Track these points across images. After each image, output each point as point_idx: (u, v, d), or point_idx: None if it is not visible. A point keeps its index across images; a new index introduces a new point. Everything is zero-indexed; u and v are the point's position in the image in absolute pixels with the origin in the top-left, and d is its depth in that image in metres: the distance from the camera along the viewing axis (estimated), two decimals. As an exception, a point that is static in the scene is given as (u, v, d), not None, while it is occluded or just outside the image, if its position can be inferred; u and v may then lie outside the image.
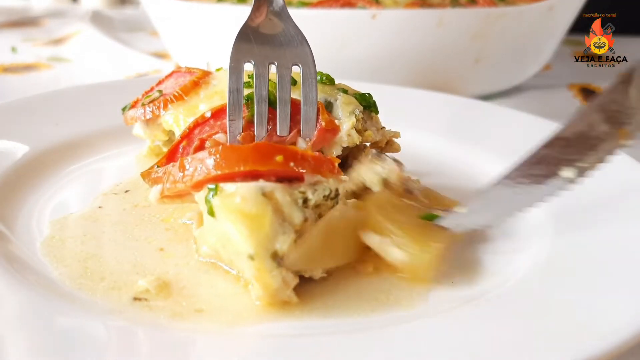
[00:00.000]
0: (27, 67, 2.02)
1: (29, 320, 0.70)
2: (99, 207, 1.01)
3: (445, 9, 1.63)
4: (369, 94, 0.99)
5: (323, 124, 0.91)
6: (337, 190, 0.84)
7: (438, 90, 1.53)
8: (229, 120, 0.90)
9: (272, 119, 0.92)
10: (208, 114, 0.96)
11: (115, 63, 2.09)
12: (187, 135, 0.96)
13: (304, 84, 0.92)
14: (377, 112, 1.00)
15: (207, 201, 0.79)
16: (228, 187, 0.78)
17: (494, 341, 0.69)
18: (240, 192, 0.77)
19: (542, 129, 1.26)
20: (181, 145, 0.95)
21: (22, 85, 1.83)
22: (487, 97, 1.75)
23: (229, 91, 0.90)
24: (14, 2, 3.29)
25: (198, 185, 0.82)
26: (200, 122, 0.96)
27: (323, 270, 0.83)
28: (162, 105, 1.07)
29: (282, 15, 0.96)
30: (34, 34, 2.55)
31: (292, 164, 0.81)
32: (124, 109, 1.18)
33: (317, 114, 0.92)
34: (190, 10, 1.70)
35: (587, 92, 1.89)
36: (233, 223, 0.76)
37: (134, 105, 1.16)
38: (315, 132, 0.91)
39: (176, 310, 0.76)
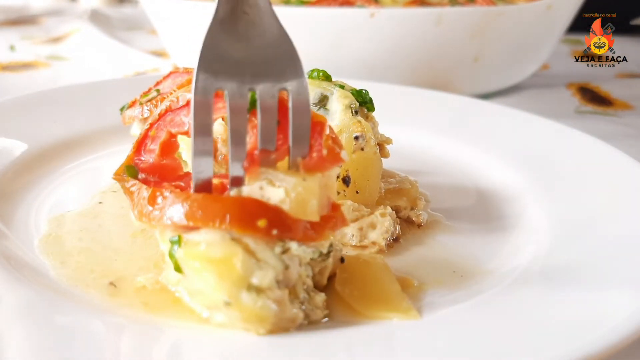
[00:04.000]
0: (26, 66, 2.01)
1: (27, 318, 0.70)
2: (100, 202, 1.01)
3: (444, 8, 1.63)
4: (365, 90, 0.99)
5: (325, 152, 0.73)
6: (330, 246, 0.75)
7: (436, 89, 1.52)
8: (194, 157, 0.71)
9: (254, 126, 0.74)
10: (182, 100, 0.81)
11: (114, 61, 2.08)
12: (156, 121, 0.83)
13: (294, 113, 0.73)
14: (373, 109, 1.00)
15: (171, 256, 0.71)
16: (192, 236, 0.70)
17: (492, 340, 0.69)
18: (205, 239, 0.69)
19: (541, 127, 1.27)
20: (149, 134, 0.82)
21: (21, 83, 1.83)
22: (485, 96, 1.75)
23: (194, 127, 0.70)
24: (12, 0, 3.28)
25: (163, 228, 0.73)
26: (172, 109, 0.82)
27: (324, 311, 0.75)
28: (159, 103, 1.07)
29: (260, 6, 0.75)
30: (33, 32, 2.54)
31: (275, 231, 0.68)
32: (122, 109, 1.18)
33: (320, 137, 0.74)
34: (188, 8, 1.70)
35: (585, 91, 1.89)
36: (198, 273, 0.69)
37: (131, 105, 1.16)
38: (313, 157, 0.74)
39: (174, 307, 0.76)
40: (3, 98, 1.31)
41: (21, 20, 2.77)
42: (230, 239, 0.68)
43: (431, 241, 0.95)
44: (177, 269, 0.72)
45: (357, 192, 0.94)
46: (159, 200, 0.72)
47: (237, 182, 0.72)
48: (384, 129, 1.02)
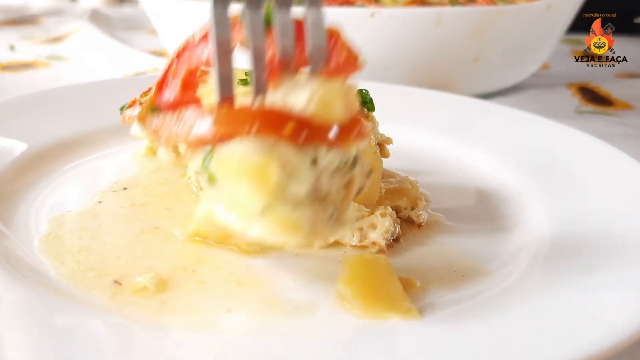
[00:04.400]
0: (26, 65, 2.02)
1: (27, 318, 0.70)
2: (100, 202, 1.02)
3: (444, 8, 1.63)
4: (365, 90, 0.99)
5: (343, 55, 0.74)
6: (356, 155, 0.74)
7: (437, 88, 1.52)
8: (218, 72, 0.72)
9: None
10: (199, 36, 0.82)
11: (114, 61, 2.08)
12: (175, 60, 0.83)
13: (310, 23, 0.74)
14: (373, 109, 1.00)
15: (204, 169, 0.71)
16: (224, 147, 0.69)
17: (492, 340, 0.69)
18: (238, 149, 0.67)
19: (541, 127, 1.27)
20: (170, 73, 0.83)
21: (21, 83, 1.83)
22: (485, 96, 1.75)
23: (216, 41, 0.72)
24: (12, 0, 3.28)
25: (194, 145, 0.72)
26: (189, 46, 0.83)
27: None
28: (159, 102, 1.07)
29: None
30: (33, 32, 2.54)
31: (303, 135, 0.68)
32: (121, 109, 1.18)
33: (336, 46, 0.75)
34: (188, 8, 1.70)
35: (585, 91, 1.89)
36: (235, 181, 0.67)
37: (131, 105, 1.16)
38: (331, 65, 0.75)
39: (173, 307, 0.76)
40: (3, 98, 1.31)
41: (21, 20, 2.78)
42: (263, 149, 0.67)
43: (431, 241, 0.95)
44: (211, 180, 0.71)
45: None
46: (186, 117, 0.72)
47: (260, 90, 0.72)
48: (384, 129, 1.02)
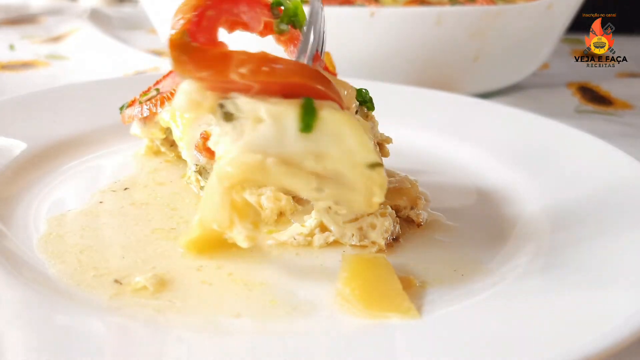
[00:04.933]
0: (25, 65, 2.01)
1: (26, 318, 0.70)
2: (100, 202, 1.01)
3: (444, 7, 1.63)
4: (365, 89, 0.99)
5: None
6: None
7: (436, 88, 1.52)
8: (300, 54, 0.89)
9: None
10: None
11: (114, 61, 2.08)
12: (216, 4, 0.84)
13: (312, 18, 0.92)
14: (373, 108, 1.00)
15: (302, 117, 0.76)
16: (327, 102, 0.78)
17: (492, 339, 0.69)
18: (339, 110, 0.78)
19: (541, 127, 1.27)
20: (207, 14, 0.82)
21: (20, 82, 1.83)
22: (485, 95, 1.75)
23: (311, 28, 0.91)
24: (12, -1, 3.28)
25: (280, 89, 0.77)
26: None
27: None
28: (159, 102, 1.07)
29: None
30: (32, 31, 2.54)
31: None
32: (121, 108, 1.18)
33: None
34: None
35: (585, 91, 1.89)
36: (350, 132, 0.75)
37: (131, 104, 1.16)
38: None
39: (172, 307, 0.76)
40: (3, 97, 1.31)
41: (21, 19, 2.77)
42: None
43: (431, 240, 0.95)
44: (307, 128, 0.75)
45: None
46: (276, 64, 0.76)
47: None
48: (383, 129, 1.02)
